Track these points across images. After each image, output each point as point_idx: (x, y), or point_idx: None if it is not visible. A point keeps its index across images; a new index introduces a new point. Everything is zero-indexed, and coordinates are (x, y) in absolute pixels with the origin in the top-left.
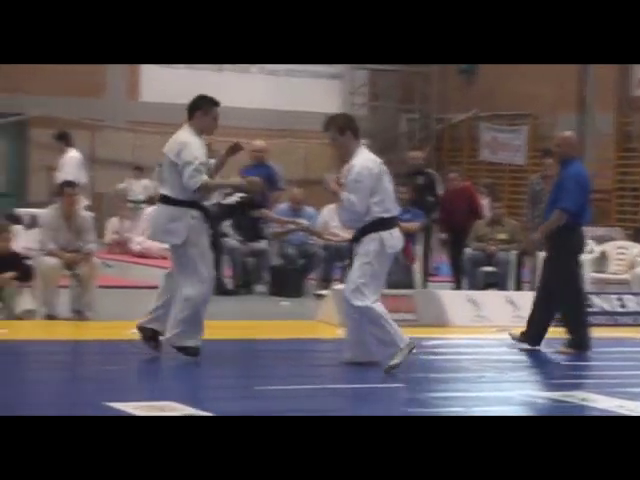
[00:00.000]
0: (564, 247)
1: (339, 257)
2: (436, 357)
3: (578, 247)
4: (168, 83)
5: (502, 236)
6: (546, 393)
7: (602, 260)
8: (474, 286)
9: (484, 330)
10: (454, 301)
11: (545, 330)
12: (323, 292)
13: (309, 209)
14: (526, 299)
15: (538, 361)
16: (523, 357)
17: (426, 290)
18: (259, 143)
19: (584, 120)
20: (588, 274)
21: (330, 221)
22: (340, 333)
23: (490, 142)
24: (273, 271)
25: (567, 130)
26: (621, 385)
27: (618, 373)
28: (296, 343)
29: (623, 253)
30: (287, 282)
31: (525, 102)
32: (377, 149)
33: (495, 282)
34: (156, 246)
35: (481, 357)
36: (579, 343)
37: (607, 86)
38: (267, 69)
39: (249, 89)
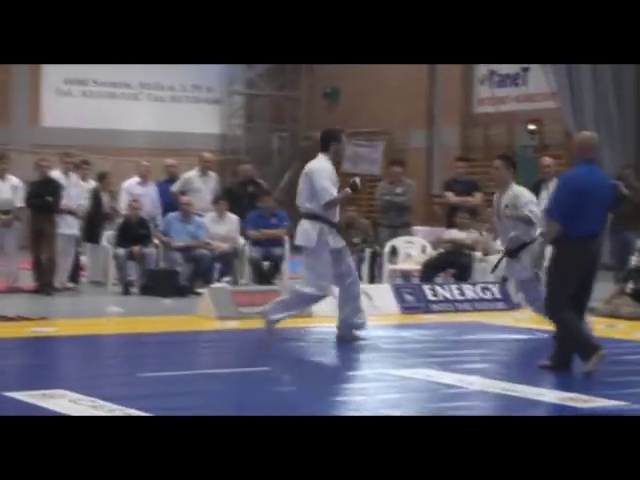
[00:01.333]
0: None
1: (220, 260)
2: (301, 343)
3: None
4: (65, 110)
5: (356, 240)
6: (395, 370)
7: None
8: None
9: None
10: None
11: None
12: (202, 290)
13: (198, 218)
14: (380, 291)
15: (389, 344)
16: (375, 341)
17: (292, 285)
18: (170, 161)
19: (432, 134)
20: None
21: (210, 227)
22: (217, 325)
23: (351, 156)
24: (154, 273)
25: (417, 144)
26: (460, 362)
27: (458, 352)
28: (177, 335)
29: None
30: (169, 283)
31: (381, 119)
32: (253, 164)
33: None
34: None
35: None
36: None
37: (453, 104)
38: (154, 96)
39: (138, 114)
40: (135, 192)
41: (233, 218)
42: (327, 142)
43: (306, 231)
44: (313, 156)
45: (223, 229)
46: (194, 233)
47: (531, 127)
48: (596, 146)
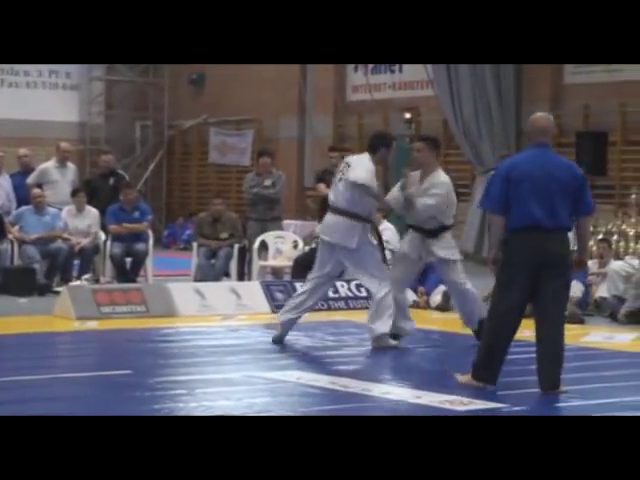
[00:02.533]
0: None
1: (79, 256)
2: (165, 345)
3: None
4: None
5: (224, 235)
6: (265, 373)
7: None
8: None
9: (210, 318)
10: (182, 292)
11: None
12: (59, 289)
13: (52, 209)
14: (249, 289)
15: (258, 345)
16: (244, 342)
17: (155, 283)
18: (23, 151)
19: (304, 123)
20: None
21: (69, 222)
22: (76, 326)
23: (219, 145)
24: (8, 271)
25: (288, 133)
26: (331, 364)
27: (329, 353)
28: (33, 337)
29: None
30: (23, 281)
31: (250, 108)
32: (115, 155)
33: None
34: None
35: (206, 343)
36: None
37: (325, 92)
38: (8, 81)
39: None
40: None
41: (93, 212)
42: (376, 145)
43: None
44: (177, 146)
45: (82, 223)
46: (50, 224)
47: (407, 116)
48: (549, 128)
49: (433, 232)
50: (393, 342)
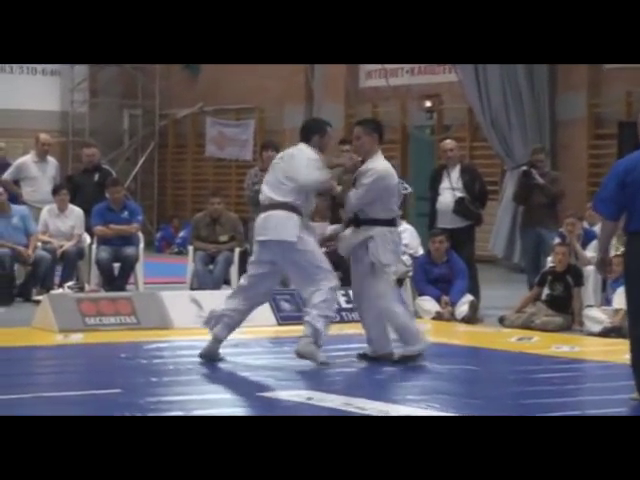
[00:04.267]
0: None
1: (61, 261)
2: (157, 360)
3: None
4: None
5: (223, 238)
6: (271, 393)
7: None
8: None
9: (206, 331)
10: (176, 302)
11: None
12: (40, 298)
13: (19, 207)
14: None
15: (262, 361)
16: (246, 358)
17: (146, 292)
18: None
19: (312, 113)
20: None
21: (50, 222)
22: (59, 339)
23: (216, 137)
24: None
25: (293, 123)
26: (343, 382)
27: (339, 371)
28: (10, 351)
29: None
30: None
31: (251, 95)
32: (101, 147)
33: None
34: None
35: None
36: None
37: (336, 77)
38: None
39: None
40: None
41: (77, 211)
42: (308, 133)
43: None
44: (170, 138)
45: (65, 224)
46: (19, 228)
47: (427, 104)
48: None
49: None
50: (321, 357)
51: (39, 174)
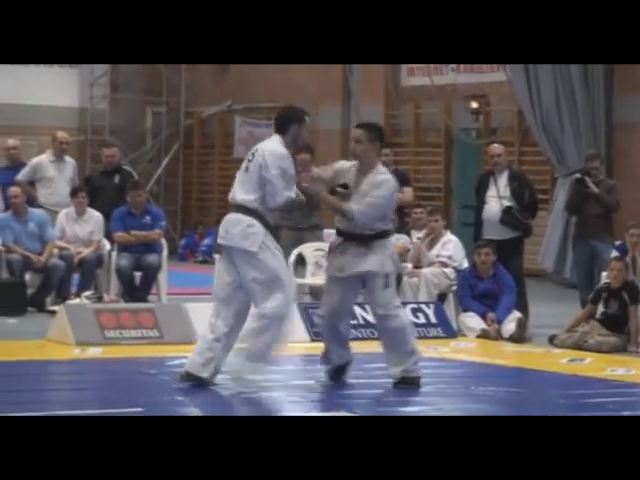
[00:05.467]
0: None
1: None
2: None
3: None
4: None
5: None
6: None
7: None
8: None
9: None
10: (201, 314)
11: None
12: (55, 308)
13: (37, 211)
14: None
15: (295, 380)
16: (277, 375)
17: (170, 303)
18: (12, 142)
19: (349, 113)
20: None
21: (67, 227)
22: (76, 353)
23: (246, 138)
24: None
25: (330, 124)
26: (384, 405)
27: (376, 392)
28: (23, 365)
29: None
30: (11, 297)
31: (283, 93)
32: (122, 147)
33: None
34: None
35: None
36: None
37: (375, 75)
38: None
39: None
40: None
41: (96, 216)
42: (285, 123)
43: None
44: (197, 138)
45: (83, 230)
46: (35, 233)
47: (474, 105)
48: None
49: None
50: (254, 378)
51: (56, 175)
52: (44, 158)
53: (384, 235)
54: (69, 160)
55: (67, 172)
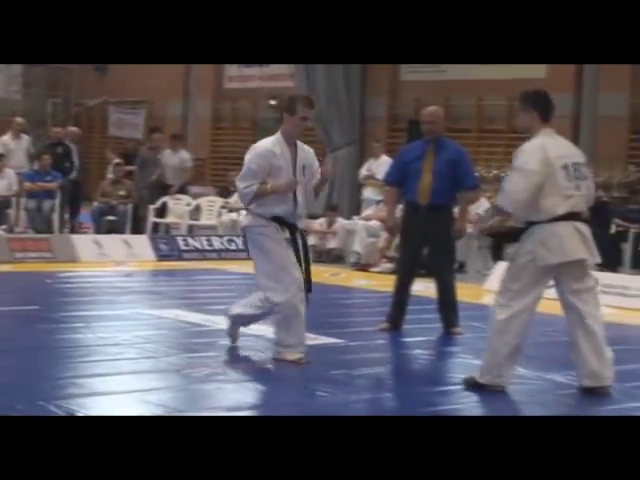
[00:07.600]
0: None
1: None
2: (67, 285)
3: None
4: None
5: (122, 192)
6: (150, 310)
7: (197, 211)
8: (99, 231)
9: (105, 264)
10: (83, 242)
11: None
12: None
13: None
14: (139, 241)
15: (145, 287)
16: (133, 284)
17: (61, 234)
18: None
19: (188, 105)
20: (185, 222)
21: None
22: None
23: (117, 121)
24: None
25: (174, 113)
26: (209, 304)
27: (205, 295)
28: None
29: (212, 205)
30: None
31: (143, 91)
32: (29, 125)
33: (115, 228)
34: None
35: (101, 284)
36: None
37: (206, 80)
38: None
39: None
40: None
41: (10, 173)
42: (281, 113)
43: None
44: (83, 121)
45: (2, 182)
46: None
47: (272, 102)
48: (433, 120)
49: None
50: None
51: (16, 147)
52: (6, 137)
53: None
54: (24, 137)
55: (23, 145)
